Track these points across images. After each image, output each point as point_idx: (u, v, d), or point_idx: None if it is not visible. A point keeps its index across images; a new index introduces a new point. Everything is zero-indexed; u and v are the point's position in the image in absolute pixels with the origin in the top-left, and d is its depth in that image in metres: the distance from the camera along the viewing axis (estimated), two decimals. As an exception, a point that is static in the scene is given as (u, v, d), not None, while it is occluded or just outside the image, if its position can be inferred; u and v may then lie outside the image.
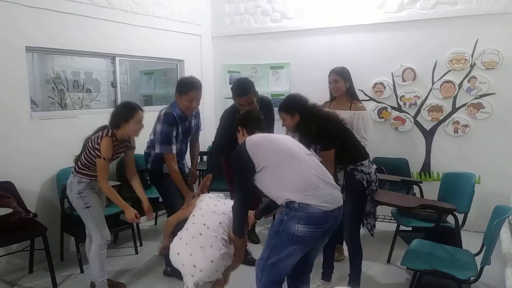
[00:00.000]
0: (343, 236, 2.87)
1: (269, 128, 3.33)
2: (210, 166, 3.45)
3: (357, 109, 3.41)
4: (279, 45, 5.01)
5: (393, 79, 4.43)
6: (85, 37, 3.86)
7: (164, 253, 2.89)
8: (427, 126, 4.34)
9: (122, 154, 2.97)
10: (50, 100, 4.00)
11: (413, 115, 4.38)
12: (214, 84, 5.45)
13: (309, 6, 4.78)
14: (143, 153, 3.31)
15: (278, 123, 3.05)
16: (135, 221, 2.89)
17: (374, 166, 2.88)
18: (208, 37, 5.40)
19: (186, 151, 3.38)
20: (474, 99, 4.09)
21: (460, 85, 4.14)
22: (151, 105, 4.96)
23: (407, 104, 4.38)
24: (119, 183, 3.61)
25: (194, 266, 2.29)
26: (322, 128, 2.65)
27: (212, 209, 2.51)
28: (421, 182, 3.86)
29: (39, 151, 3.51)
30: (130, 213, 2.82)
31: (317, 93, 3.81)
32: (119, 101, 4.30)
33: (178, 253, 2.37)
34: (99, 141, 2.72)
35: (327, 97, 3.64)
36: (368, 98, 4.49)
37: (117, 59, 4.29)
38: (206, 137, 4.44)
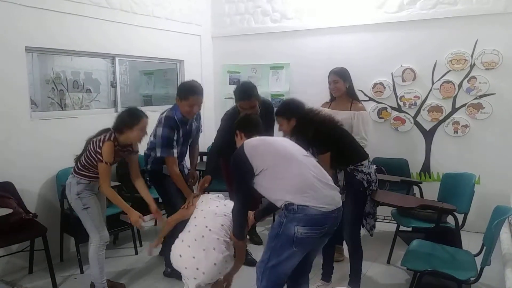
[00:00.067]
0: (343, 236, 2.87)
1: (269, 131, 3.31)
2: (209, 168, 3.45)
3: (357, 109, 3.42)
4: (279, 45, 5.01)
5: (393, 79, 4.42)
6: (85, 37, 3.85)
7: (163, 253, 2.89)
8: (427, 127, 4.33)
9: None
10: (50, 101, 3.99)
11: (413, 115, 4.38)
12: (214, 84, 5.45)
13: (309, 6, 4.77)
14: (142, 154, 3.30)
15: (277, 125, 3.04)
16: (139, 224, 2.80)
17: (374, 166, 2.88)
18: (208, 37, 5.39)
19: (186, 153, 3.38)
20: (474, 99, 4.09)
21: (460, 85, 4.13)
22: (150, 105, 4.97)
23: (407, 104, 4.38)
24: (119, 183, 3.62)
25: (197, 268, 2.28)
26: (319, 132, 2.65)
27: (214, 211, 2.51)
28: (421, 183, 3.86)
29: (39, 152, 3.50)
30: (134, 216, 2.78)
31: (317, 93, 3.85)
32: (119, 102, 4.31)
33: (180, 256, 2.36)
34: (101, 144, 2.70)
35: (327, 98, 3.64)
36: (368, 99, 4.49)
37: (117, 59, 4.28)
38: (206, 138, 4.44)
